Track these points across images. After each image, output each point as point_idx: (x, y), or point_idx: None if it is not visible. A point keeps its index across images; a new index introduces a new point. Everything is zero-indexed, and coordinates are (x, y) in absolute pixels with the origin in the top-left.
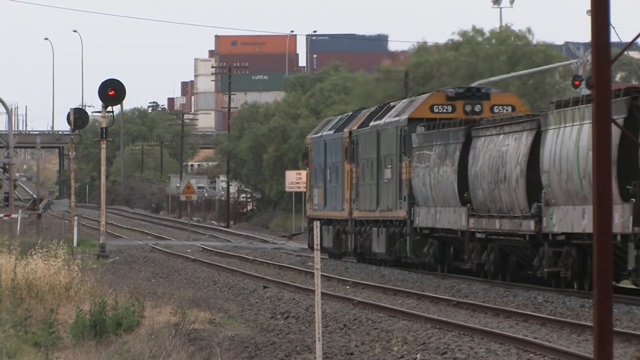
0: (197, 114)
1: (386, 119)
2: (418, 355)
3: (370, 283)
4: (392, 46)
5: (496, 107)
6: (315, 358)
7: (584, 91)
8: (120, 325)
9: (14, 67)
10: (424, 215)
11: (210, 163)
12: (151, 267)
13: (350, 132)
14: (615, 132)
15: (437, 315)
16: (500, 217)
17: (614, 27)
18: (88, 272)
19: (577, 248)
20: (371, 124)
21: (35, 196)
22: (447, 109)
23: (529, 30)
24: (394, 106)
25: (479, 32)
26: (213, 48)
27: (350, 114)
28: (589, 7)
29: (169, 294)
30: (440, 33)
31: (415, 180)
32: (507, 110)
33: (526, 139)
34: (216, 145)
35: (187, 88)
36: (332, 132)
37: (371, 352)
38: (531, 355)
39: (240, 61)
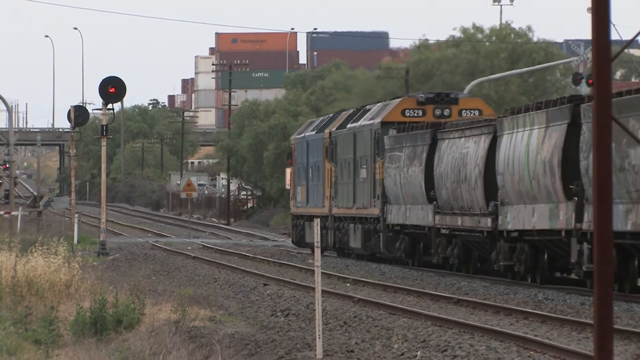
0: (198, 112)
1: (362, 121)
2: (418, 352)
3: (371, 280)
4: (393, 44)
5: (464, 111)
6: (315, 355)
7: (585, 89)
8: (120, 323)
9: (14, 64)
10: (395, 213)
11: (210, 160)
12: (151, 265)
13: (330, 133)
14: (560, 137)
15: (437, 312)
16: (462, 214)
17: (614, 25)
18: (88, 270)
19: (529, 244)
20: (349, 125)
21: (35, 193)
22: (417, 113)
23: (529, 28)
24: (369, 109)
25: (479, 29)
26: (213, 45)
27: (331, 115)
28: (589, 5)
29: (170, 292)
30: (441, 31)
31: (387, 180)
32: (474, 114)
33: (484, 142)
34: (216, 143)
35: (188, 85)
36: (313, 132)
37: (371, 349)
38: (531, 352)
39: (240, 58)
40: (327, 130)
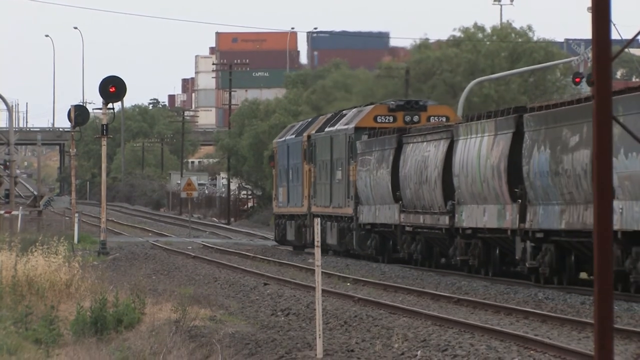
0: (198, 111)
1: (338, 126)
2: (419, 352)
3: (371, 280)
4: (393, 43)
5: (432, 117)
6: (316, 355)
7: (585, 88)
8: (120, 322)
9: (14, 64)
10: (366, 213)
11: (210, 160)
12: (152, 264)
13: (309, 136)
14: (506, 144)
15: (437, 312)
16: (423, 213)
17: (614, 24)
18: (89, 269)
19: (482, 240)
20: (326, 129)
21: (35, 193)
22: (388, 119)
23: (529, 27)
24: (345, 114)
25: (480, 28)
26: (214, 45)
27: (310, 120)
28: (589, 4)
29: (170, 291)
30: (441, 31)
31: (359, 182)
32: (442, 120)
33: (443, 146)
34: (217, 142)
35: (188, 85)
36: (293, 136)
37: (372, 349)
38: (532, 352)
39: (241, 58)
40: (305, 134)
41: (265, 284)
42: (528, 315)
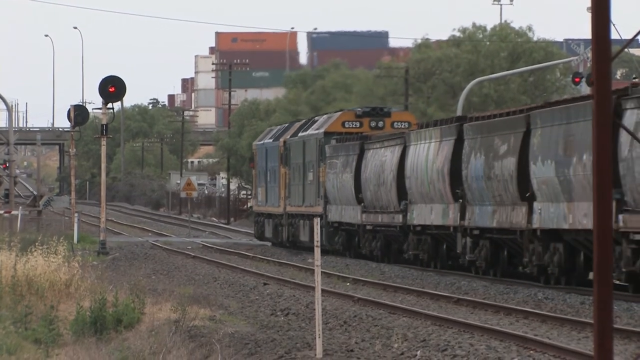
0: (198, 111)
1: (310, 131)
2: (418, 352)
3: (370, 280)
4: (393, 43)
5: (396, 123)
6: (315, 355)
7: (585, 88)
8: (120, 322)
9: (14, 63)
10: (334, 212)
11: (210, 160)
12: (151, 264)
13: (285, 141)
14: (449, 150)
15: (437, 312)
16: (381, 213)
17: (614, 24)
18: (88, 269)
19: (431, 237)
20: (299, 134)
21: (35, 193)
22: (355, 125)
23: (529, 27)
24: (317, 120)
25: (481, 28)
26: (213, 45)
27: (287, 125)
28: (589, 4)
29: (169, 291)
30: (441, 30)
31: (328, 183)
32: (404, 125)
33: (397, 151)
34: (216, 142)
35: (188, 85)
36: (271, 140)
37: (371, 349)
38: (531, 352)
39: (240, 58)
40: (281, 139)
41: (265, 284)
42: (528, 315)
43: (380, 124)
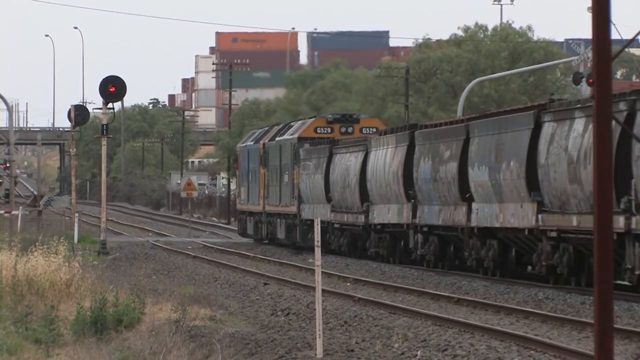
0: (198, 111)
1: (286, 135)
2: (419, 352)
3: (371, 280)
4: (393, 43)
5: (364, 128)
6: (316, 355)
7: (585, 88)
8: (120, 322)
9: (14, 63)
10: (307, 211)
11: (210, 160)
12: (152, 264)
13: (264, 144)
14: (403, 155)
15: (437, 312)
16: (347, 212)
17: (614, 24)
18: (89, 269)
19: (390, 234)
20: (277, 138)
21: (35, 193)
22: (327, 130)
23: (529, 27)
24: (292, 125)
25: (482, 28)
26: (214, 45)
27: (267, 128)
28: (589, 4)
29: (170, 291)
30: (441, 30)
31: (301, 184)
32: (372, 130)
33: (360, 156)
34: (217, 142)
35: (188, 85)
36: (252, 143)
37: (372, 349)
38: (532, 352)
39: (241, 58)
40: (261, 142)
41: (265, 284)
42: (528, 315)
43: (350, 129)
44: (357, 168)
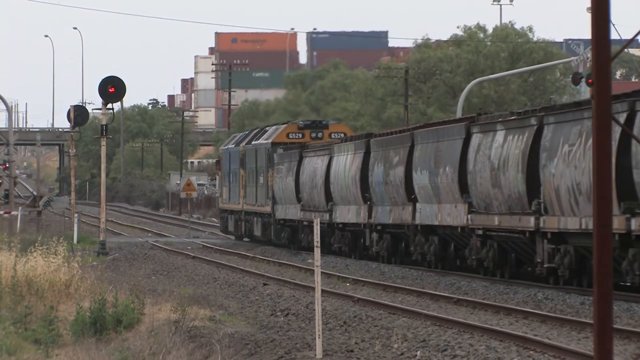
0: (197, 111)
1: (261, 140)
2: (418, 352)
3: (370, 280)
4: (392, 43)
5: (333, 134)
6: (315, 355)
7: (584, 88)
8: (120, 323)
9: (14, 64)
10: (280, 210)
11: (210, 160)
12: (151, 264)
13: (243, 147)
14: (360, 161)
15: (437, 312)
16: (314, 211)
17: (614, 25)
18: (88, 269)
19: (351, 232)
20: (253, 142)
21: (35, 193)
22: (298, 136)
23: (529, 28)
24: (267, 130)
25: (482, 28)
26: (213, 45)
27: (247, 132)
28: (589, 5)
29: (169, 291)
30: (440, 30)
31: (275, 185)
32: (341, 135)
33: (325, 161)
34: (216, 143)
35: (187, 85)
36: (233, 146)
37: (371, 349)
38: (531, 352)
39: (240, 58)
40: (241, 145)
41: (265, 284)
42: (527, 316)
43: (320, 134)
44: (322, 171)
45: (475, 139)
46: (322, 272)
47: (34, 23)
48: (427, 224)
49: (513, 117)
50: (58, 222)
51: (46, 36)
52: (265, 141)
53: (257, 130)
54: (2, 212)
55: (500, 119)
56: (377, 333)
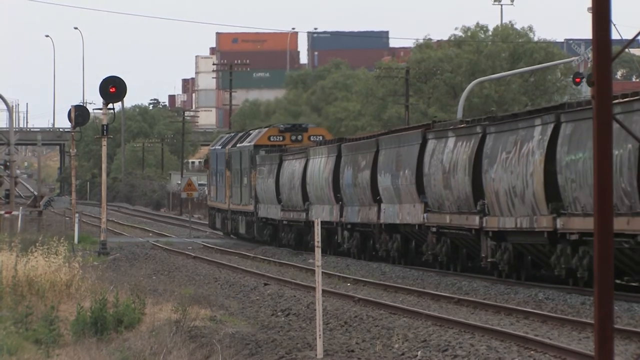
0: (198, 111)
1: (245, 143)
2: (419, 352)
3: (371, 280)
4: (393, 43)
5: (312, 137)
6: (316, 355)
7: (585, 88)
8: (121, 323)
9: (15, 64)
10: (262, 209)
11: None
12: (152, 264)
13: (228, 149)
14: (332, 164)
15: (437, 312)
16: (293, 211)
17: (614, 25)
18: (89, 269)
19: (326, 230)
20: (238, 145)
21: (36, 193)
22: (279, 138)
23: (530, 28)
24: (251, 134)
25: (482, 28)
26: (214, 45)
27: (233, 134)
28: (589, 5)
29: (170, 291)
30: (441, 30)
31: (258, 186)
32: (320, 138)
33: (301, 163)
34: None
35: (188, 85)
36: (220, 147)
37: (372, 349)
38: (532, 352)
39: (241, 58)
40: (227, 147)
41: (266, 284)
42: (528, 316)
43: (299, 137)
44: (300, 173)
45: (431, 144)
46: (322, 272)
47: (34, 23)
48: (390, 223)
49: (462, 125)
50: (59, 222)
51: (47, 36)
52: (249, 144)
53: (242, 133)
54: (3, 212)
55: (451, 127)
56: (378, 333)
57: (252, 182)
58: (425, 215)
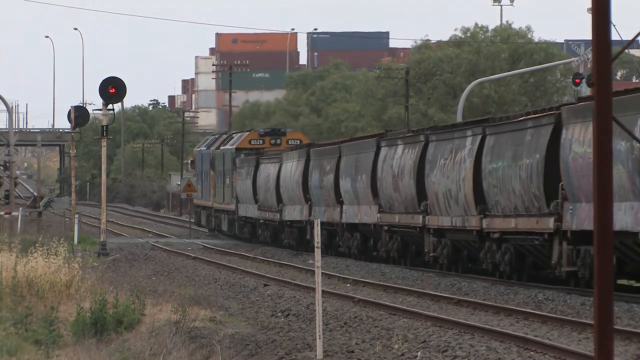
0: (198, 112)
1: (227, 145)
2: (419, 353)
3: (371, 281)
4: (393, 44)
5: (290, 140)
6: (316, 356)
7: (585, 89)
8: (120, 323)
9: (14, 64)
10: (242, 209)
11: None
12: (152, 265)
13: (212, 151)
14: (302, 167)
15: (437, 313)
16: (268, 211)
17: (614, 25)
18: (89, 270)
19: (297, 228)
20: (221, 147)
21: (35, 194)
22: (259, 142)
23: (529, 28)
24: (233, 137)
25: (482, 29)
26: (214, 46)
27: (217, 136)
28: (589, 5)
29: (170, 292)
30: (441, 31)
31: (238, 187)
32: (297, 142)
33: (276, 166)
34: None
35: (188, 86)
36: (205, 148)
37: (372, 350)
38: (532, 353)
39: (241, 59)
40: (211, 149)
41: (265, 285)
42: (528, 316)
43: (278, 141)
44: (274, 176)
45: (383, 151)
46: (322, 273)
47: (34, 23)
48: (351, 222)
49: (409, 134)
50: (58, 223)
51: (47, 37)
52: (231, 147)
53: (226, 135)
54: (2, 213)
55: (400, 136)
56: (378, 334)
57: (233, 182)
58: (379, 215)
